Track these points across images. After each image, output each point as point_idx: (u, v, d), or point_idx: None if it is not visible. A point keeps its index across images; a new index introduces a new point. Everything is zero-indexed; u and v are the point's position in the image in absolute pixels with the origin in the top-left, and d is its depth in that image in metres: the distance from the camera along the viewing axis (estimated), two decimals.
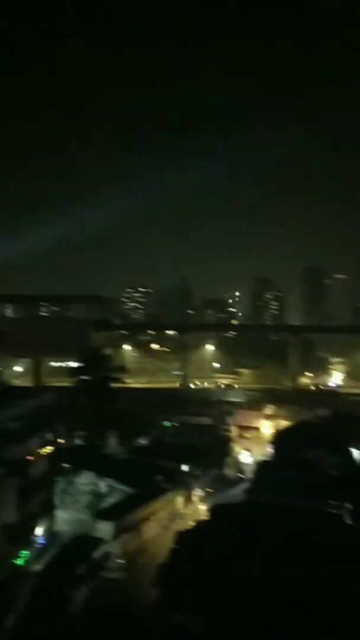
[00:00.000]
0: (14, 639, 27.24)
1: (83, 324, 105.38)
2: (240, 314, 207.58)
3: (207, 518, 31.45)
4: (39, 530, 36.68)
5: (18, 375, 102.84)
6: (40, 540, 36.37)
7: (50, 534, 37.17)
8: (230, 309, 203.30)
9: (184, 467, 46.87)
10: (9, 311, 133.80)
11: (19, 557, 33.75)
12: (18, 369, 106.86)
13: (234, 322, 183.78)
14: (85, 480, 39.43)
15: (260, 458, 51.50)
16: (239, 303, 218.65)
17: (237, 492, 42.98)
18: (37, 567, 33.88)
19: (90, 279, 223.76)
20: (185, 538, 28.13)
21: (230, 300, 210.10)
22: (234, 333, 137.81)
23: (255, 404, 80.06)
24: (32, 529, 36.31)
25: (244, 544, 24.34)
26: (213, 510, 32.55)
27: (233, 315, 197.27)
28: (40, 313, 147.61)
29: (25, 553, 34.16)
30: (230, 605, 21.71)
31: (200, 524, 30.57)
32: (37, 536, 36.42)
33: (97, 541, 35.07)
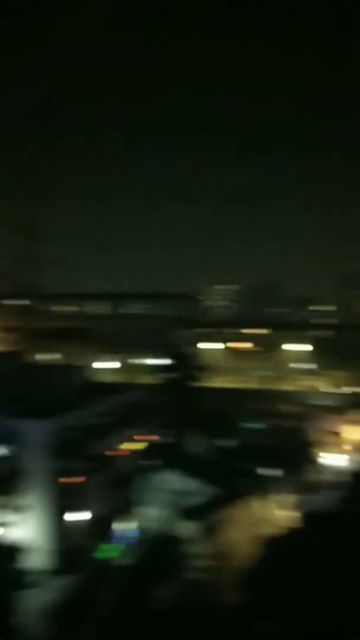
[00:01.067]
0: (98, 632, 27.55)
1: (169, 321, 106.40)
2: (332, 312, 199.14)
3: (299, 525, 29.91)
4: (122, 526, 37.06)
5: (104, 371, 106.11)
6: (123, 536, 36.72)
7: (133, 530, 37.45)
8: (322, 307, 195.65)
9: (270, 471, 45.37)
10: (96, 308, 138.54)
11: (102, 551, 34.24)
12: (104, 365, 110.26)
13: (326, 320, 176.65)
14: (169, 479, 39.37)
15: (348, 464, 48.66)
16: (330, 301, 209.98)
17: (325, 500, 40.84)
18: (121, 562, 34.21)
19: (175, 276, 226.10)
20: (275, 544, 26.86)
21: (321, 298, 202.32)
22: (325, 332, 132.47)
23: (344, 408, 76.16)
24: (116, 524, 36.75)
25: (340, 557, 22.70)
26: (307, 517, 30.91)
27: (325, 314, 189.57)
28: (127, 310, 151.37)
29: (107, 547, 34.60)
30: (319, 618, 20.26)
31: (293, 531, 29.12)
32: (120, 531, 36.82)
33: (182, 540, 34.80)
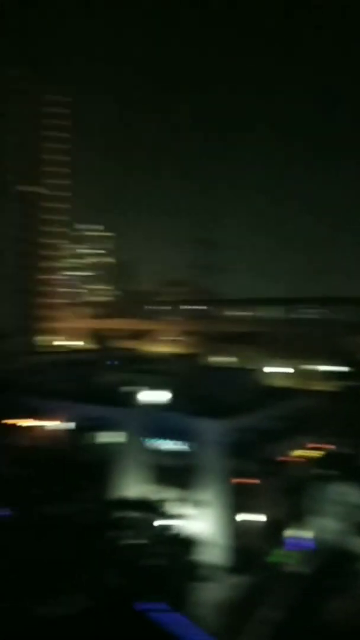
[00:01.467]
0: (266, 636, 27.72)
1: (343, 326, 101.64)
2: None
3: None
4: (295, 533, 36.63)
5: (277, 376, 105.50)
6: (297, 543, 36.25)
7: (307, 538, 36.73)
8: None
9: None
10: (269, 313, 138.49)
11: (275, 555, 34.30)
12: (277, 370, 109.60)
13: None
14: (344, 491, 37.69)
15: None
16: None
17: None
18: (295, 569, 33.86)
19: (349, 280, 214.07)
20: None
21: None
22: None
23: None
24: (289, 530, 36.47)
25: None
26: None
27: None
28: (300, 315, 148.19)
29: (281, 552, 34.55)
30: None
31: None
32: (293, 538, 36.43)
33: (354, 555, 33.21)
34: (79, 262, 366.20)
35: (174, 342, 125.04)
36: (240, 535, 35.45)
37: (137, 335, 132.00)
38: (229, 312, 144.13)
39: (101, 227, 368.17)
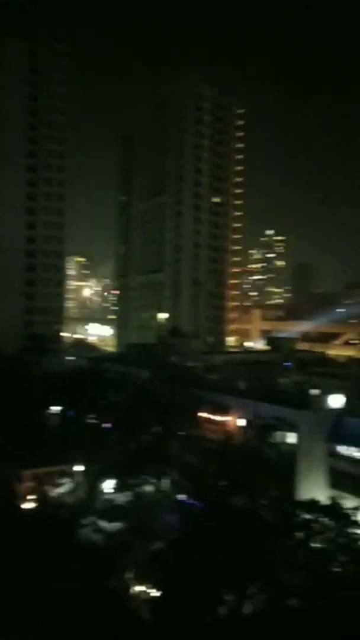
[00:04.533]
0: None
1: None
2: None
3: None
4: None
5: None
6: None
7: None
8: None
9: None
10: None
11: None
12: None
13: None
14: None
15: None
16: None
17: None
18: None
19: None
20: None
21: None
22: None
23: None
24: None
25: None
26: None
27: None
28: None
29: None
30: None
31: None
32: None
33: None
34: (256, 267, 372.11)
35: (355, 345, 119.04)
36: None
37: (317, 338, 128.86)
38: None
39: (272, 232, 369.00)
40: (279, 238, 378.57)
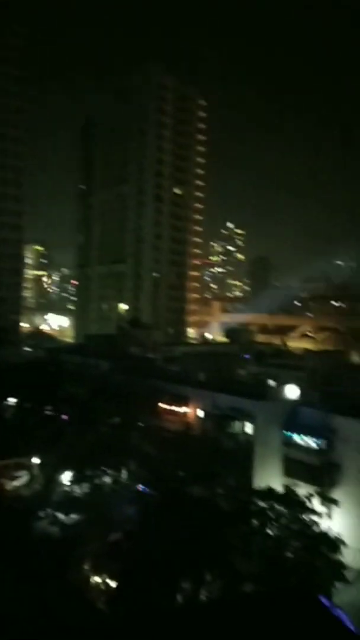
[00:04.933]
0: None
1: None
2: None
3: None
4: None
5: None
6: None
7: None
8: None
9: None
10: None
11: None
12: None
13: None
14: None
15: None
16: None
17: None
18: None
19: None
20: None
21: None
22: None
23: None
24: None
25: None
26: None
27: None
28: None
29: None
30: None
31: None
32: None
33: None
34: (216, 259, 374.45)
35: (310, 338, 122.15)
36: None
37: (275, 330, 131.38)
38: None
39: (232, 225, 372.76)
40: (239, 231, 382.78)
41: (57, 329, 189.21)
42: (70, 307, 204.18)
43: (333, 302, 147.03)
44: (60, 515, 33.55)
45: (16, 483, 40.44)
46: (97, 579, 26.18)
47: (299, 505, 27.35)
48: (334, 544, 25.85)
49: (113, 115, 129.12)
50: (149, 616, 16.40)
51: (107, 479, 40.27)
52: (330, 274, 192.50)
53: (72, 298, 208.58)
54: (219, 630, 8.59)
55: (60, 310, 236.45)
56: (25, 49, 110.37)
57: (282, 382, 43.36)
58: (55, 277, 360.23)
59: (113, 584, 25.11)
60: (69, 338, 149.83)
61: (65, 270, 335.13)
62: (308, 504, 28.29)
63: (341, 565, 25.41)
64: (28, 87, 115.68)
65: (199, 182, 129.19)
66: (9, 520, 23.11)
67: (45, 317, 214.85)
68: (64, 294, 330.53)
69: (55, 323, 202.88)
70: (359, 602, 28.66)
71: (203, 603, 21.22)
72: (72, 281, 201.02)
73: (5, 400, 46.19)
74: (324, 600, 10.59)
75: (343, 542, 26.59)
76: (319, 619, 9.62)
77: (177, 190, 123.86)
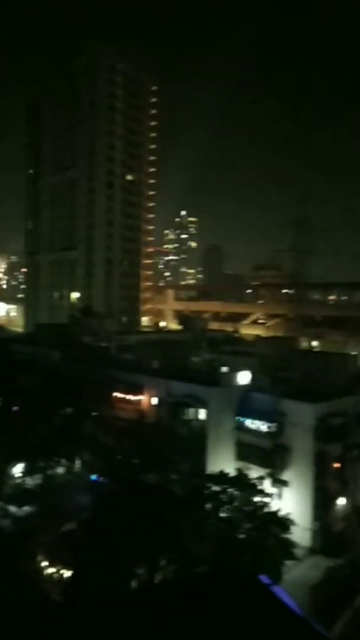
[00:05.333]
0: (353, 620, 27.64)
1: None
2: None
3: None
4: None
5: None
6: None
7: None
8: None
9: None
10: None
11: None
12: None
13: None
14: None
15: None
16: None
17: None
18: None
19: None
20: None
21: None
22: None
23: None
24: None
25: None
26: None
27: None
28: None
29: None
30: None
31: None
32: None
33: None
34: (170, 247, 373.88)
35: (261, 325, 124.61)
36: (328, 517, 35.66)
37: (226, 317, 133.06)
38: (323, 296, 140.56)
39: (185, 213, 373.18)
40: (192, 219, 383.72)
41: (6, 318, 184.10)
42: (20, 295, 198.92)
43: (283, 290, 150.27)
44: (12, 508, 32.99)
45: None
46: (51, 570, 25.98)
47: (250, 488, 28.04)
48: (283, 523, 26.73)
49: (61, 98, 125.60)
50: (103, 602, 16.45)
51: (61, 470, 39.87)
52: (281, 262, 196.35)
53: (21, 286, 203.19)
54: (163, 613, 8.81)
55: (9, 299, 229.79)
56: None
57: (234, 369, 44.03)
58: (4, 265, 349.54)
59: (67, 573, 24.99)
60: (18, 327, 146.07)
61: (14, 258, 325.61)
62: (259, 486, 29.10)
63: (291, 544, 26.32)
64: None
65: (151, 169, 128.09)
66: None
67: None
68: (13, 282, 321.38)
69: (4, 312, 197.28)
70: (308, 578, 30.00)
71: (156, 586, 21.44)
72: (22, 269, 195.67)
73: None
74: (264, 579, 11.02)
75: (292, 522, 27.55)
76: (258, 598, 10.01)
77: (129, 177, 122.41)
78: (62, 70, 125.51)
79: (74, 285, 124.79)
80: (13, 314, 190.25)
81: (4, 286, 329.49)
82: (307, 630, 10.19)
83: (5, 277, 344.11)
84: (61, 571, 25.54)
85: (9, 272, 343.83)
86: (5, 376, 42.00)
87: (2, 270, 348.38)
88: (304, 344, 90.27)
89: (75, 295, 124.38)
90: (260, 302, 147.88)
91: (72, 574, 24.29)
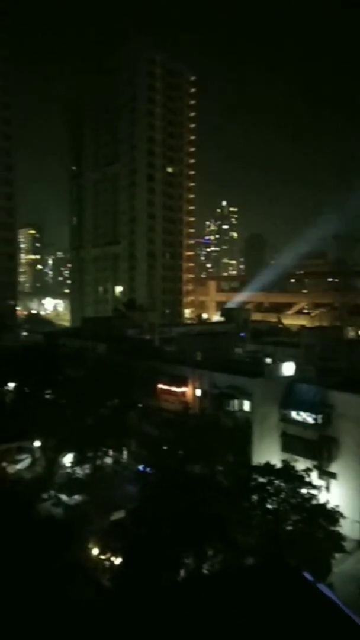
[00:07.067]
0: None
1: None
2: None
3: None
4: None
5: None
6: None
7: None
8: None
9: None
10: None
11: None
12: None
13: None
14: None
15: None
16: None
17: None
18: None
19: None
20: None
21: None
22: None
23: None
24: None
25: None
26: None
27: None
28: None
29: None
30: None
31: None
32: None
33: None
34: (211, 238, 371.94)
35: (306, 314, 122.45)
36: None
37: (270, 308, 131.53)
38: None
39: (225, 203, 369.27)
40: (233, 209, 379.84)
41: (54, 312, 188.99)
42: (66, 290, 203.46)
43: (328, 278, 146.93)
44: (63, 497, 34.05)
45: (19, 466, 40.91)
46: (101, 557, 26.70)
47: (297, 480, 27.76)
48: (332, 516, 26.35)
49: (102, 94, 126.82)
50: (152, 591, 16.80)
51: (108, 460, 40.78)
52: (325, 250, 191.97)
53: (67, 281, 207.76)
54: (209, 604, 8.92)
55: (56, 294, 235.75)
56: (10, 28, 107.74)
57: (278, 360, 43.55)
58: (50, 261, 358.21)
59: (117, 561, 25.61)
60: (65, 322, 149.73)
61: (59, 254, 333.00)
62: (306, 478, 28.76)
63: (339, 537, 25.93)
64: (13, 67, 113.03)
65: (191, 160, 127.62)
66: (12, 504, 23.45)
67: (42, 301, 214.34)
68: (60, 278, 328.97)
69: (52, 307, 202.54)
70: (358, 572, 29.53)
71: (204, 577, 21.65)
72: (67, 264, 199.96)
73: (5, 385, 46.39)
74: (307, 576, 10.95)
75: (341, 514, 27.12)
76: (304, 595, 9.98)
77: (169, 169, 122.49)
78: (102, 67, 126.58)
79: (117, 279, 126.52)
80: (60, 308, 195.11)
81: (51, 281, 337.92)
82: (354, 628, 10.11)
83: (52, 273, 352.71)
84: (111, 559, 26.22)
85: (55, 267, 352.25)
86: (54, 369, 43.26)
87: (48, 265, 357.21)
88: (350, 334, 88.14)
89: (119, 289, 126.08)
90: (304, 291, 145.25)
91: (122, 562, 24.89)
